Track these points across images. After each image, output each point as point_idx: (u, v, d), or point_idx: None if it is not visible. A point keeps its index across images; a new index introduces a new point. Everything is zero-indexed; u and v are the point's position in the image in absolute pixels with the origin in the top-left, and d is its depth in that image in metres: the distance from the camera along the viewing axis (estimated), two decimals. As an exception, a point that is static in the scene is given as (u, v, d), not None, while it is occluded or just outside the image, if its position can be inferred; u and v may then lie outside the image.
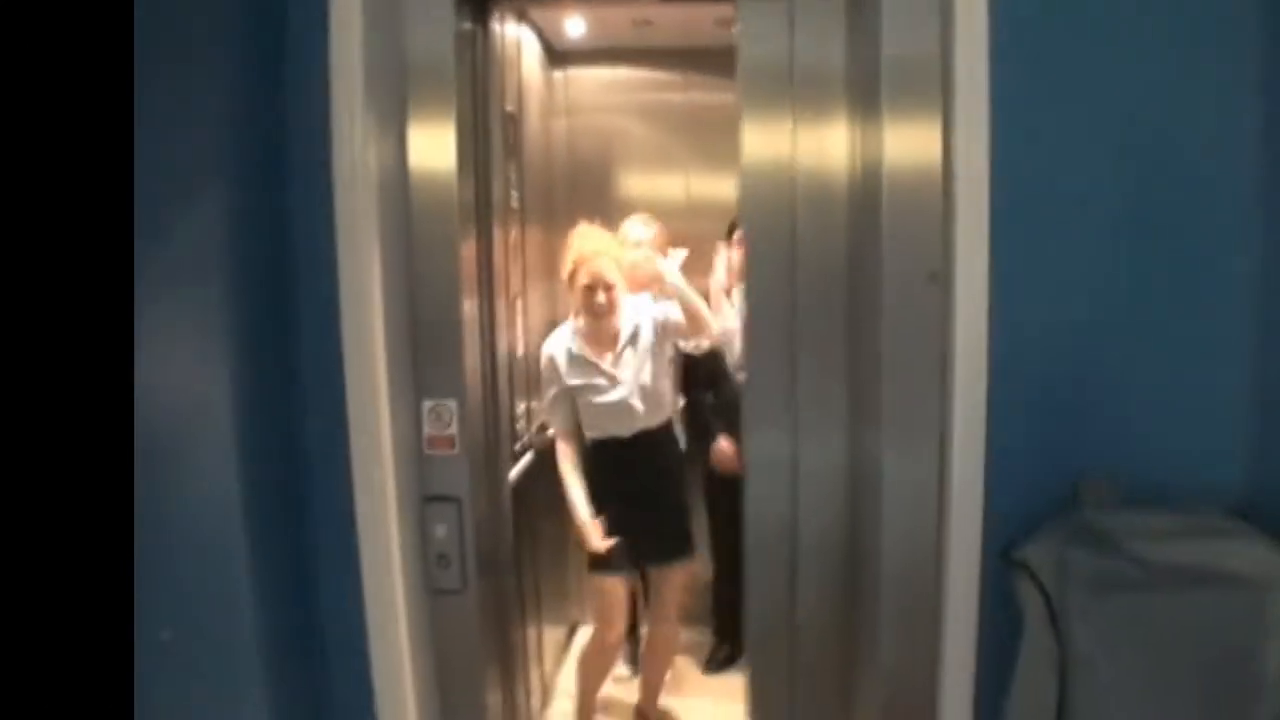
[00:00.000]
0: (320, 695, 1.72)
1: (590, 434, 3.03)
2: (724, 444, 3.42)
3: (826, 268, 1.77)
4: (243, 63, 1.54)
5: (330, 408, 1.64)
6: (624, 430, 3.00)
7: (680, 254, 3.21)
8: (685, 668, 3.70)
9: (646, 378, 3.00)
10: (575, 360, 2.95)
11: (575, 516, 2.94)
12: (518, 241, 3.18)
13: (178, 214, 1.43)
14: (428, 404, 1.74)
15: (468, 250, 1.80)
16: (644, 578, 3.34)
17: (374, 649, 1.69)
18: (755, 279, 1.81)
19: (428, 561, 1.76)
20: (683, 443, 3.33)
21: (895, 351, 1.60)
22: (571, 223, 3.42)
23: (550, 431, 3.12)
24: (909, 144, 1.57)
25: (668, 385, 3.14)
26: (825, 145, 1.75)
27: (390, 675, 1.69)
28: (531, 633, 3.17)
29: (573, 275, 2.94)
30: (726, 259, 3.13)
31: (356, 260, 1.61)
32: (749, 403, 1.84)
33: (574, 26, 3.81)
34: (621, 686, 3.59)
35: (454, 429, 1.74)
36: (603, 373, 2.95)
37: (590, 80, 4.13)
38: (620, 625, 3.14)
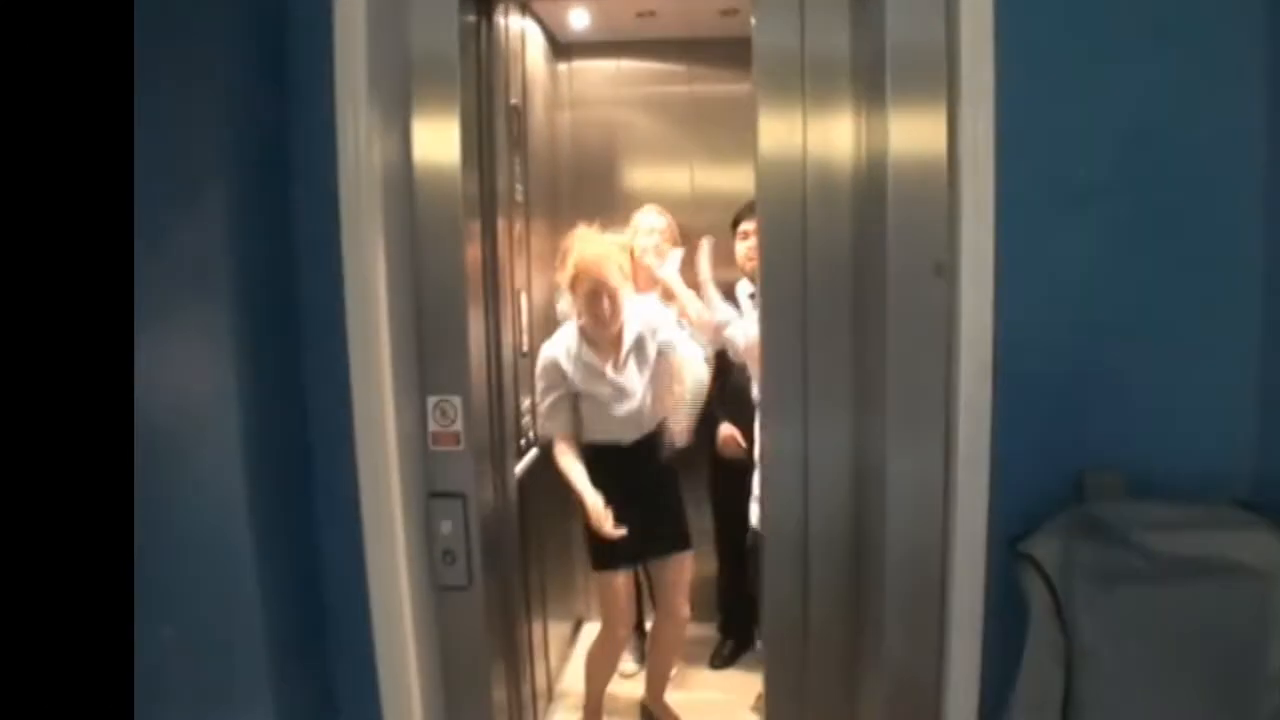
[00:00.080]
0: (325, 691, 1.73)
1: (589, 438, 3.03)
2: (728, 430, 3.42)
3: (837, 259, 1.77)
4: (245, 57, 1.54)
5: (335, 403, 1.64)
6: (627, 437, 3.01)
7: (677, 253, 3.23)
8: (691, 664, 3.71)
9: (650, 385, 3.01)
10: (580, 365, 2.95)
11: (585, 504, 2.91)
12: (522, 235, 3.18)
13: (181, 210, 1.43)
14: (432, 400, 1.74)
15: (472, 244, 1.80)
16: (646, 574, 3.35)
17: (379, 645, 1.69)
18: (770, 271, 1.80)
19: (433, 557, 1.76)
20: (684, 437, 3.33)
21: (900, 343, 1.60)
22: (576, 216, 3.43)
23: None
24: (914, 135, 1.56)
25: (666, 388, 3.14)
26: (836, 136, 1.75)
27: (395, 671, 1.69)
28: (537, 628, 3.18)
29: (575, 280, 2.93)
30: (709, 251, 3.14)
31: (361, 255, 1.61)
32: (765, 395, 1.84)
33: (578, 19, 3.80)
34: (626, 683, 3.59)
35: (459, 425, 1.74)
36: (608, 380, 2.94)
37: (594, 72, 4.13)
38: (627, 621, 3.15)
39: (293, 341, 1.65)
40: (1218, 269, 1.57)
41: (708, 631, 3.82)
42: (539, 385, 2.99)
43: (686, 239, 3.43)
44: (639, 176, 4.09)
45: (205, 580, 1.50)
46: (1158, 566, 1.36)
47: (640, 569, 3.28)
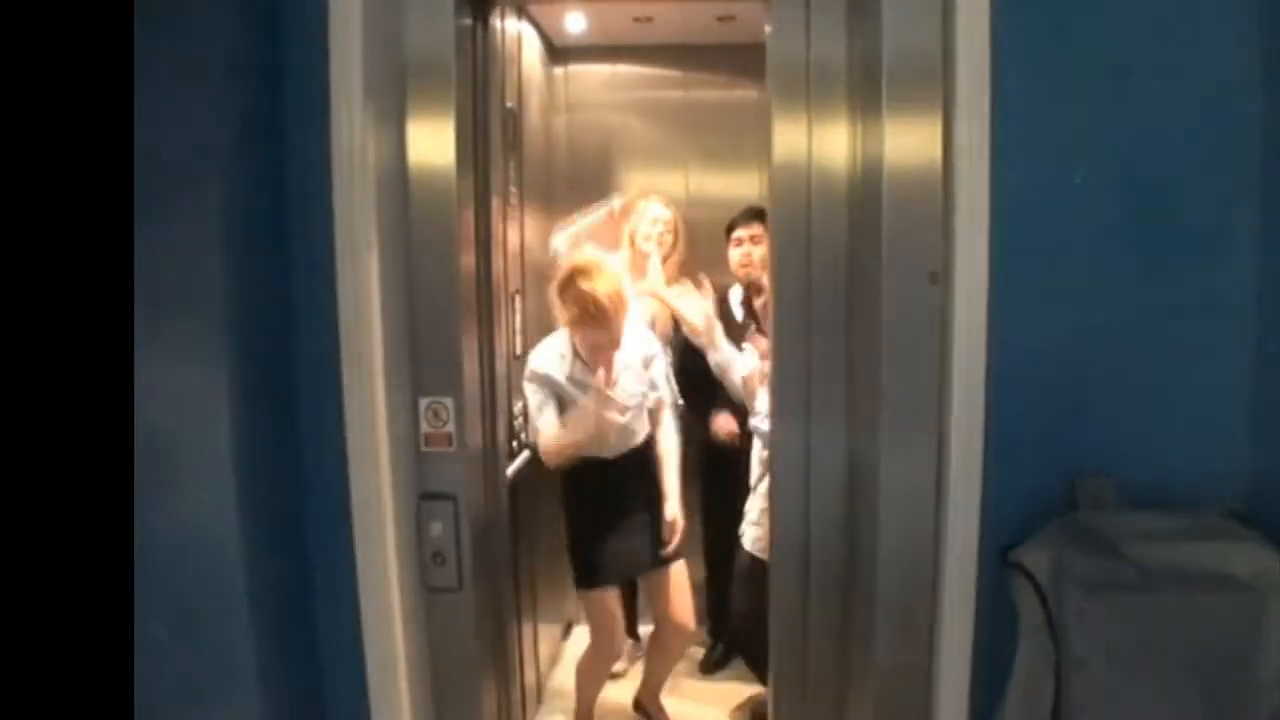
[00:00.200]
0: (315, 693, 1.72)
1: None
2: (723, 417, 3.42)
3: (838, 266, 1.78)
4: (240, 58, 1.54)
5: (327, 404, 1.64)
6: (613, 452, 2.98)
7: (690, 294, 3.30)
8: (681, 670, 3.70)
9: (640, 399, 3.00)
10: (572, 377, 2.92)
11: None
12: (517, 238, 3.18)
13: (173, 211, 1.43)
14: (425, 401, 1.74)
15: (466, 247, 1.79)
16: (634, 588, 3.35)
17: (369, 646, 1.68)
18: (781, 277, 1.81)
19: (423, 559, 1.76)
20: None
21: (894, 350, 1.60)
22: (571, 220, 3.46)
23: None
24: (910, 141, 1.57)
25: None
26: (841, 143, 1.76)
27: (385, 673, 1.68)
28: (527, 631, 3.17)
29: (569, 294, 2.86)
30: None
31: (354, 256, 1.61)
32: (776, 398, 1.84)
33: (574, 22, 3.81)
34: (615, 687, 3.57)
35: (451, 426, 1.74)
36: (599, 393, 2.91)
37: (590, 76, 4.13)
38: (619, 635, 3.13)
39: (285, 341, 1.65)
40: (1211, 278, 1.57)
41: (695, 635, 3.80)
42: (533, 398, 2.93)
43: (689, 235, 3.49)
44: (634, 180, 4.09)
45: (195, 579, 1.49)
46: (1149, 577, 1.36)
47: (628, 583, 3.27)
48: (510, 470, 2.72)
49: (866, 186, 1.67)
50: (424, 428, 1.74)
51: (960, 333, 1.55)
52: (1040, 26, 1.54)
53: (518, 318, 3.15)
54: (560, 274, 2.90)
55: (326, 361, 1.63)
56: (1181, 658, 1.34)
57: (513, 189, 3.10)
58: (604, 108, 4.12)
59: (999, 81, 1.52)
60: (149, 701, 1.25)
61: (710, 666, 3.76)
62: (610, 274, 2.89)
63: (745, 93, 4.05)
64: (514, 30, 3.15)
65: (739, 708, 3.45)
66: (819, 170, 1.77)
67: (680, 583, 3.07)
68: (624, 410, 2.93)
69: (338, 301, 1.62)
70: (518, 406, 3.04)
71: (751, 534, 2.95)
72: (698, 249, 3.58)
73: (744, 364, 2.91)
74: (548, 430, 2.88)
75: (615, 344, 2.88)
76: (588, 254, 3.01)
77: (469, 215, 1.82)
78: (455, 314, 1.74)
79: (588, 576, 2.98)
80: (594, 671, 3.19)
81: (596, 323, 2.80)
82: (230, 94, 1.51)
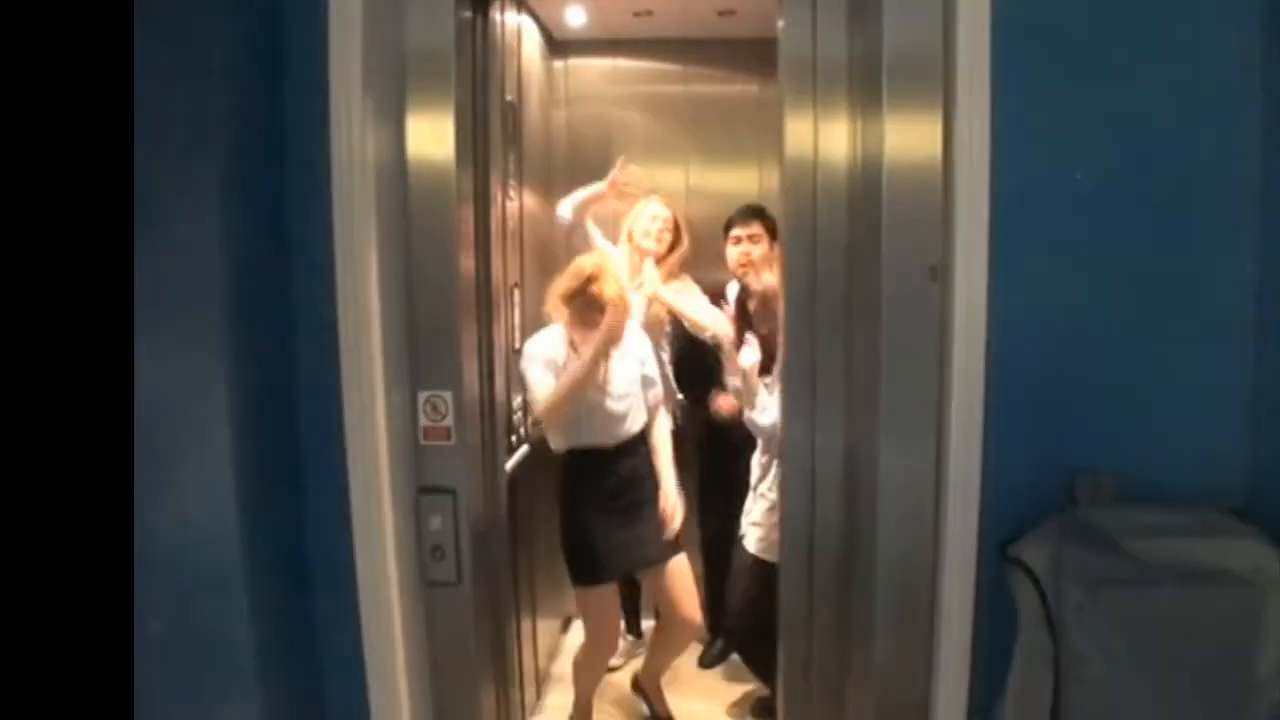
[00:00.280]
0: (314, 687, 1.72)
1: (570, 443, 2.97)
2: (724, 396, 3.42)
3: (842, 261, 1.78)
4: (240, 51, 1.53)
5: (325, 397, 1.64)
6: (609, 440, 2.96)
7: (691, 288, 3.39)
8: (680, 664, 3.70)
9: (634, 389, 3.00)
10: (568, 370, 2.91)
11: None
12: (516, 231, 3.17)
13: (174, 204, 1.42)
14: (423, 395, 1.74)
15: (465, 240, 1.79)
16: (633, 584, 3.35)
17: (367, 640, 1.68)
18: (791, 274, 1.81)
19: (422, 553, 1.76)
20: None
21: (894, 346, 1.60)
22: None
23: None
24: (910, 138, 1.57)
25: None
26: (848, 138, 1.76)
27: (384, 667, 1.69)
28: (526, 625, 3.17)
29: (580, 298, 2.88)
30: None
31: (353, 249, 1.61)
32: (786, 395, 1.85)
33: (574, 16, 3.80)
34: (613, 675, 3.58)
35: (450, 420, 1.74)
36: (602, 379, 2.91)
37: (590, 70, 4.12)
38: (616, 630, 3.13)
39: (284, 335, 1.64)
40: (1211, 274, 1.57)
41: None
42: (532, 373, 2.91)
43: (690, 232, 3.50)
44: (634, 166, 4.08)
45: (193, 574, 1.49)
46: (1148, 573, 1.36)
47: (627, 580, 3.25)
48: (509, 464, 2.71)
49: (867, 182, 1.67)
50: (423, 422, 1.74)
51: (960, 328, 1.55)
52: (1040, 22, 1.54)
53: (516, 312, 3.14)
54: (569, 279, 2.91)
55: (325, 355, 1.63)
56: (1180, 653, 1.34)
57: (512, 182, 3.10)
58: (604, 101, 4.12)
59: (999, 78, 1.52)
60: (147, 699, 1.25)
61: (709, 661, 3.76)
62: (616, 277, 2.93)
63: (745, 87, 4.04)
64: (514, 23, 3.14)
65: (736, 704, 3.45)
66: (826, 166, 1.77)
67: (685, 577, 3.06)
68: (617, 397, 2.94)
69: (337, 296, 1.61)
70: (517, 401, 3.04)
71: (754, 535, 2.95)
72: (697, 244, 3.58)
73: (746, 357, 2.90)
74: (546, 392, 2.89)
75: (616, 343, 2.88)
76: (595, 258, 3.00)
77: (468, 209, 1.82)
78: (454, 308, 1.74)
79: (586, 573, 2.96)
80: (591, 666, 3.18)
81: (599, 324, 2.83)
82: (230, 89, 1.51)
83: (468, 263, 1.82)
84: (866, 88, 1.67)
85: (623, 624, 3.53)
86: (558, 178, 4.01)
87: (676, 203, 3.62)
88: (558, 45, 4.04)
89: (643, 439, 3.07)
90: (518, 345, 3.09)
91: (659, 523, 3.03)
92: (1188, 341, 1.58)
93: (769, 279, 2.91)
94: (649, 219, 3.47)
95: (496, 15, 2.15)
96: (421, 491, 1.75)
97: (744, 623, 3.09)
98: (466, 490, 1.77)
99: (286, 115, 1.62)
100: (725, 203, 3.59)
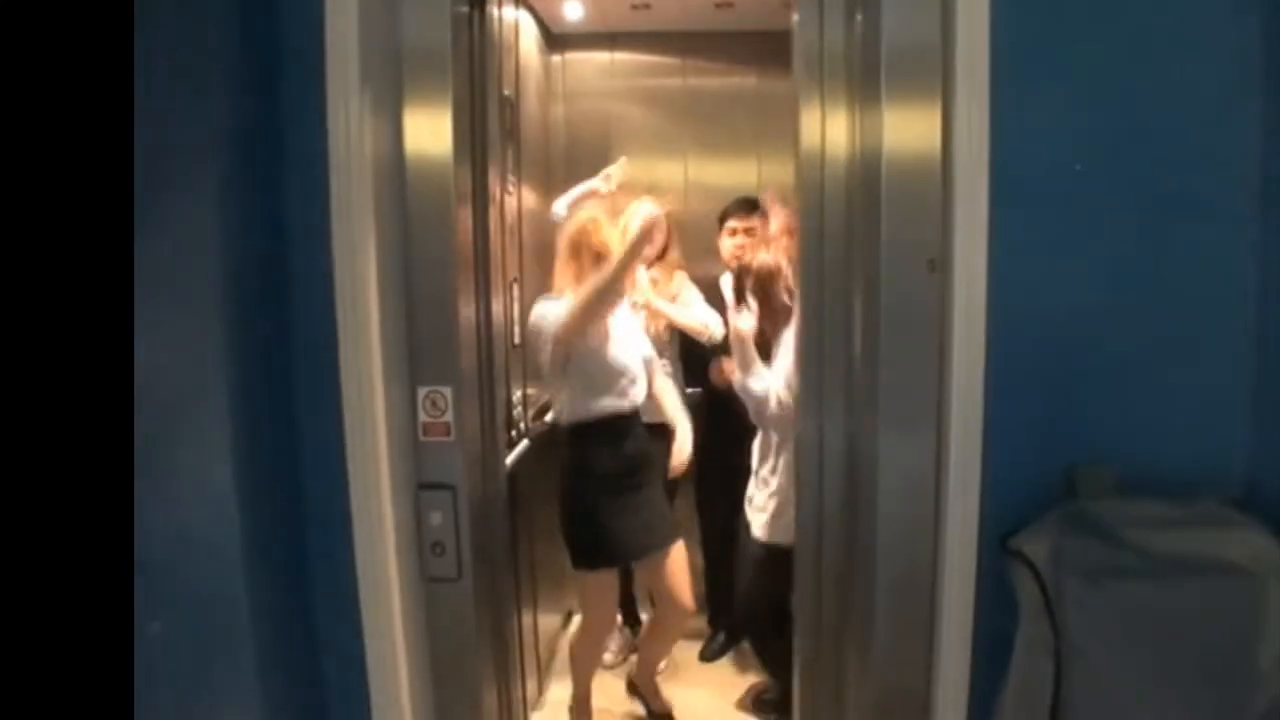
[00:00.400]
0: (314, 683, 1.72)
1: (581, 413, 2.93)
2: (724, 363, 3.42)
3: (845, 252, 1.78)
4: (238, 46, 1.53)
5: (324, 394, 1.64)
6: (622, 404, 2.94)
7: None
8: (682, 656, 3.71)
9: (639, 360, 3.00)
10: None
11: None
12: (515, 227, 3.17)
13: (171, 200, 1.42)
14: (423, 391, 1.73)
15: (464, 235, 1.79)
16: (627, 573, 3.34)
17: (368, 637, 1.68)
18: (805, 266, 1.81)
19: (423, 549, 1.76)
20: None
21: (893, 338, 1.60)
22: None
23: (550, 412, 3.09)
24: (909, 130, 1.56)
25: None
26: (847, 130, 1.76)
27: (385, 663, 1.69)
28: (527, 620, 3.17)
29: (581, 247, 2.90)
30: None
31: (351, 245, 1.61)
32: (801, 386, 1.86)
33: (572, 10, 3.79)
34: (609, 675, 3.59)
35: (449, 416, 1.73)
36: (607, 332, 2.90)
37: (588, 64, 4.12)
38: (614, 614, 3.13)
39: (283, 332, 1.64)
40: (1211, 266, 1.57)
41: (697, 623, 3.81)
42: (544, 342, 2.88)
43: (681, 230, 3.48)
44: (632, 169, 4.08)
45: (193, 572, 1.49)
46: (1148, 564, 1.36)
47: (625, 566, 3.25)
48: (509, 460, 2.71)
49: (866, 175, 1.66)
50: (422, 417, 1.74)
51: (959, 320, 1.55)
52: (1039, 13, 1.53)
53: (516, 306, 3.14)
54: (570, 232, 2.93)
55: (324, 351, 1.63)
56: (1181, 644, 1.34)
57: (510, 177, 3.09)
58: (602, 95, 4.12)
59: (998, 69, 1.52)
60: (147, 697, 1.25)
61: (711, 655, 3.77)
62: (612, 228, 2.97)
63: (744, 80, 4.04)
64: (511, 17, 3.13)
65: (740, 697, 3.45)
66: (832, 159, 1.77)
67: (682, 563, 3.05)
68: (626, 357, 2.95)
69: (335, 291, 1.61)
70: (517, 395, 3.04)
71: (758, 520, 2.95)
72: (697, 237, 3.58)
73: (743, 322, 2.92)
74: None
75: (621, 294, 2.89)
76: (591, 212, 3.00)
77: (466, 204, 1.82)
78: (453, 302, 1.73)
79: (590, 557, 2.94)
80: (590, 651, 3.18)
81: (601, 254, 2.84)
82: (227, 83, 1.50)
83: (466, 258, 1.81)
84: (866, 80, 1.66)
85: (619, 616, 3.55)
86: (556, 172, 4.02)
87: (674, 196, 3.61)
88: (555, 39, 4.03)
89: (642, 422, 3.06)
90: (517, 341, 3.09)
91: (663, 508, 3.04)
92: (1187, 333, 1.58)
93: (764, 257, 2.91)
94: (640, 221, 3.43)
95: (494, 10, 2.14)
96: (421, 487, 1.75)
97: (755, 610, 3.11)
98: (466, 486, 1.77)
99: (284, 110, 1.61)
100: (724, 194, 3.59)
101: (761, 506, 2.94)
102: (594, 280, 2.80)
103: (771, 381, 2.84)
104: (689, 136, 4.08)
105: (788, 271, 2.83)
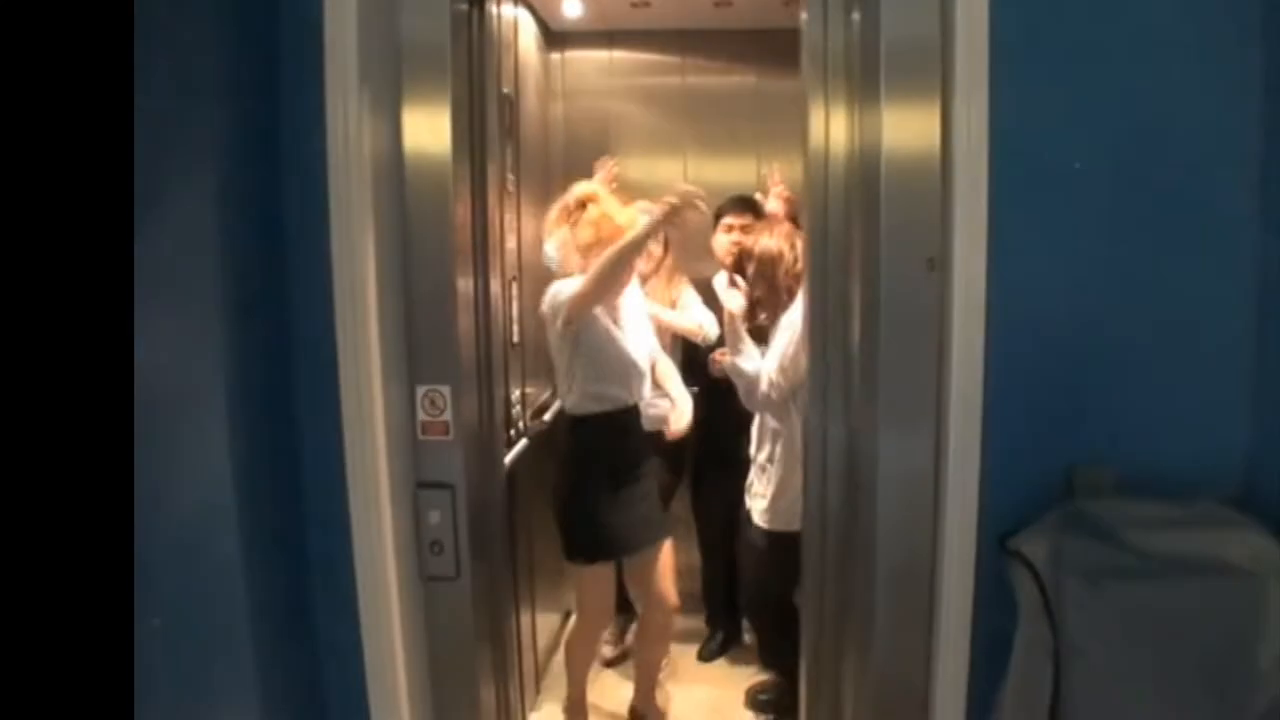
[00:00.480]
0: (312, 681, 1.72)
1: (590, 404, 2.89)
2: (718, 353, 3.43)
3: (847, 252, 1.79)
4: (236, 43, 1.53)
5: (324, 393, 1.63)
6: (628, 397, 2.91)
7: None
8: (681, 655, 3.71)
9: (645, 350, 2.99)
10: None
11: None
12: (514, 225, 3.17)
13: (171, 199, 1.41)
14: (421, 389, 1.73)
15: (463, 234, 1.79)
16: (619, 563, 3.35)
17: (367, 635, 1.68)
18: (814, 264, 1.83)
19: (421, 548, 1.76)
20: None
21: (892, 337, 1.60)
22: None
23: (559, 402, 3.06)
24: (908, 128, 1.56)
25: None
26: (847, 128, 1.77)
27: (382, 662, 1.68)
28: (525, 619, 3.17)
29: (592, 247, 2.83)
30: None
31: (350, 243, 1.60)
32: (809, 383, 1.87)
33: (571, 8, 3.79)
34: (614, 687, 3.57)
35: (448, 415, 1.73)
36: (615, 322, 2.87)
37: (587, 62, 4.11)
38: (611, 607, 3.11)
39: (282, 331, 1.64)
40: (1210, 266, 1.57)
41: (695, 623, 3.82)
42: (561, 317, 2.81)
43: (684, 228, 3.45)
44: (632, 167, 4.06)
45: (191, 570, 1.48)
46: (1147, 564, 1.36)
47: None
48: (508, 459, 2.71)
49: (865, 173, 1.66)
50: (421, 416, 1.74)
51: (958, 320, 1.55)
52: (1039, 12, 1.53)
53: (515, 305, 3.13)
54: (567, 207, 2.89)
55: (323, 350, 1.62)
56: (1181, 644, 1.34)
57: (510, 175, 3.09)
58: (601, 93, 4.11)
59: (997, 68, 1.51)
60: (144, 695, 1.25)
61: (709, 654, 3.77)
62: (612, 199, 2.94)
63: (743, 79, 4.04)
64: (510, 15, 3.13)
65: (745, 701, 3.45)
66: (835, 157, 1.78)
67: (669, 561, 3.05)
68: (634, 345, 2.92)
69: (334, 289, 1.61)
70: (515, 394, 3.04)
71: (758, 507, 2.96)
72: (696, 236, 3.57)
73: (732, 302, 2.93)
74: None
75: (633, 267, 2.88)
76: (588, 185, 2.97)
77: (465, 202, 1.81)
78: (451, 301, 1.73)
79: (588, 550, 2.92)
80: (585, 649, 3.17)
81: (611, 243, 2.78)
82: (226, 81, 1.50)
83: (465, 256, 1.81)
84: (865, 78, 1.66)
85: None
86: (555, 170, 4.01)
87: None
88: (555, 37, 4.03)
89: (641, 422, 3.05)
90: (516, 339, 3.09)
91: (656, 505, 3.04)
92: (1186, 333, 1.58)
93: (768, 241, 2.91)
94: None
95: (493, 7, 2.14)
96: (420, 486, 1.75)
97: (757, 599, 3.12)
98: (465, 485, 1.76)
99: (283, 109, 1.61)
100: (723, 194, 3.59)
101: (761, 493, 2.96)
102: (612, 249, 2.72)
103: (764, 363, 2.84)
104: (688, 135, 4.08)
105: (789, 257, 2.84)
